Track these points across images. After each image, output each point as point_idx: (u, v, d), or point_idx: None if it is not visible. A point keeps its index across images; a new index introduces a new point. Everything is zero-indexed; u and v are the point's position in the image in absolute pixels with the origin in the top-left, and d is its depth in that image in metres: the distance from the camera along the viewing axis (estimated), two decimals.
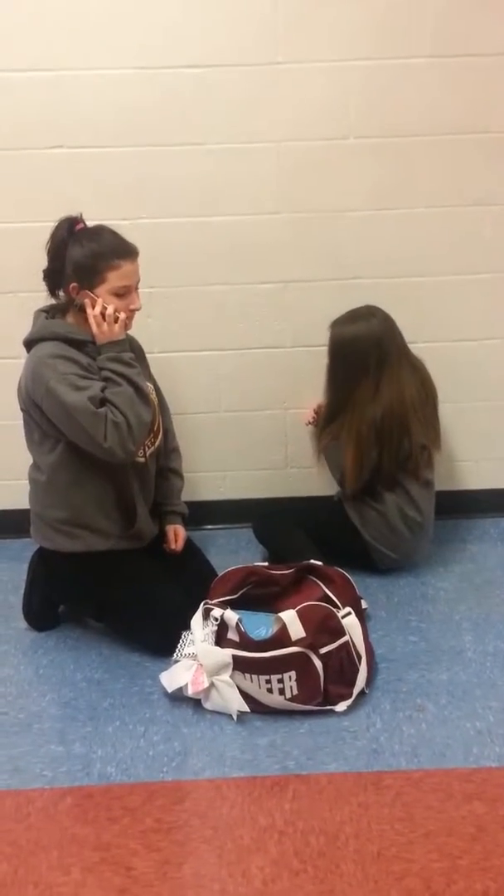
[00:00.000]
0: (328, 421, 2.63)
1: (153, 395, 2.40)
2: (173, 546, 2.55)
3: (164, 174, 2.65)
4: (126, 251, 2.22)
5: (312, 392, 2.69)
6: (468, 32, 2.54)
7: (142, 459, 2.37)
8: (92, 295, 2.21)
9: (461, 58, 2.56)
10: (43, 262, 2.26)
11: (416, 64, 2.56)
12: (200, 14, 2.50)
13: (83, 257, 2.19)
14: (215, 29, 2.52)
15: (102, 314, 2.21)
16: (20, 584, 2.54)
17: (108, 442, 2.16)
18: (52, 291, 2.32)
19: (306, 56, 2.55)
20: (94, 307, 2.21)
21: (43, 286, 2.30)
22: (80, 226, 2.24)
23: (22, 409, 2.31)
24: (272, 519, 2.80)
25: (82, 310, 2.23)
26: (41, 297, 2.33)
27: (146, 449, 2.38)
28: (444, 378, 2.72)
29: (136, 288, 2.27)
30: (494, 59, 2.56)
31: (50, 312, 2.32)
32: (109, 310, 2.21)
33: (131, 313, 2.27)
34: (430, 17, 2.52)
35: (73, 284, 2.22)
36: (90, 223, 2.26)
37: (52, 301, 2.33)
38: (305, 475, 2.99)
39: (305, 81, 2.57)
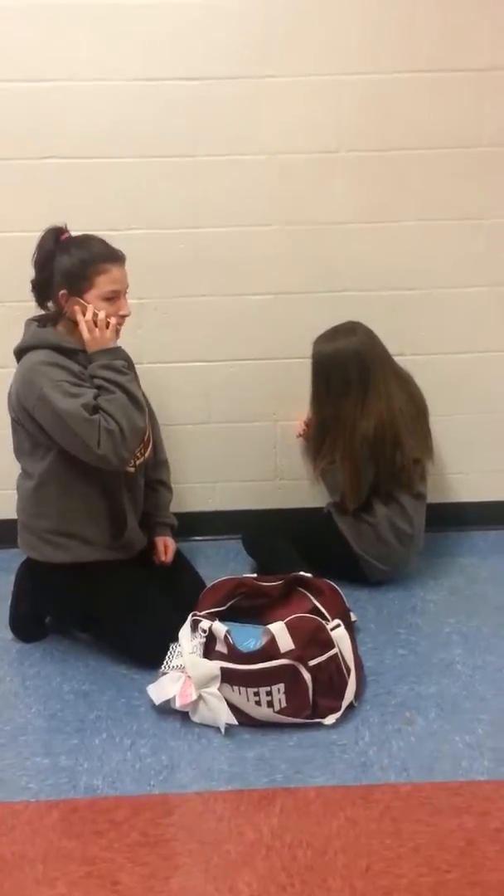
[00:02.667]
0: (318, 439, 2.63)
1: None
2: (163, 558, 2.55)
3: (155, 185, 2.65)
4: (114, 256, 2.22)
5: (303, 404, 2.69)
6: (459, 47, 2.56)
7: (132, 469, 2.36)
8: (82, 301, 2.21)
9: (452, 72, 2.58)
10: (30, 272, 2.26)
11: (408, 78, 2.58)
12: (194, 27, 2.51)
13: (71, 265, 2.20)
14: (209, 42, 2.53)
15: (94, 320, 2.21)
16: (7, 594, 2.53)
17: (101, 449, 2.15)
18: (41, 303, 2.31)
19: (299, 70, 2.56)
20: (84, 314, 2.21)
21: (31, 296, 2.30)
22: (66, 235, 2.25)
23: (12, 418, 2.30)
24: (261, 530, 2.79)
25: (72, 319, 2.23)
26: (28, 308, 2.32)
27: (136, 459, 2.37)
28: (435, 390, 2.72)
29: (125, 294, 2.27)
30: (485, 73, 2.58)
31: (41, 322, 2.31)
32: (101, 315, 2.21)
33: (121, 319, 2.27)
34: (422, 31, 2.54)
35: (63, 292, 2.21)
36: (81, 233, 2.25)
37: (42, 312, 2.33)
38: (295, 487, 2.98)
39: (298, 95, 2.58)
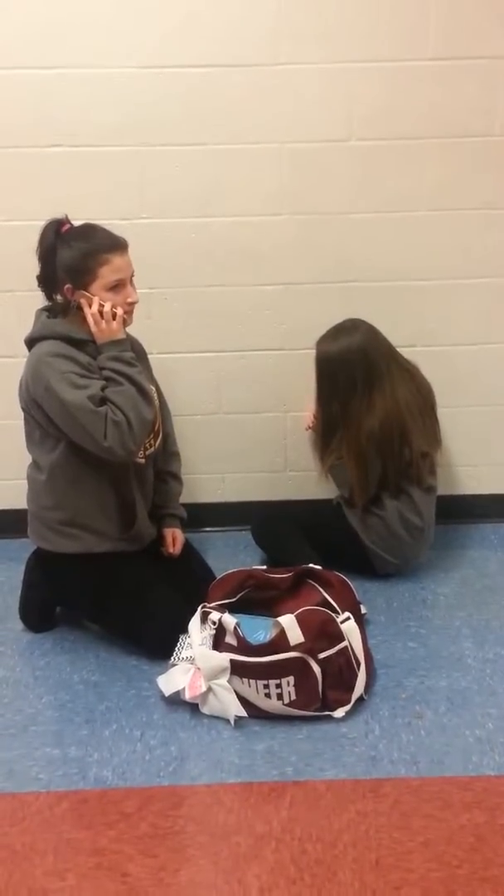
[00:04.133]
0: (325, 437, 2.61)
1: (155, 395, 2.38)
2: (171, 549, 2.54)
3: (164, 174, 2.63)
4: (115, 245, 2.20)
5: (313, 396, 2.67)
6: (471, 35, 2.53)
7: (141, 460, 2.36)
8: (87, 294, 2.19)
9: (464, 60, 2.55)
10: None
11: (419, 66, 2.55)
12: (203, 14, 2.49)
13: (73, 258, 2.18)
14: (218, 29, 2.50)
15: (100, 312, 2.19)
16: (17, 584, 2.53)
17: (108, 441, 2.14)
18: (49, 296, 2.30)
19: (309, 57, 2.53)
20: (91, 306, 2.19)
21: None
22: (67, 227, 2.23)
23: (23, 409, 2.29)
24: (271, 522, 2.78)
25: (80, 310, 2.22)
26: (38, 297, 2.32)
27: (145, 450, 2.36)
28: (444, 382, 2.70)
29: (131, 281, 2.26)
30: (497, 61, 2.55)
31: (51, 312, 2.30)
32: (107, 307, 2.20)
33: (129, 307, 2.26)
34: (433, 19, 2.51)
35: (67, 286, 2.20)
36: (82, 223, 2.24)
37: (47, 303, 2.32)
38: (305, 478, 2.97)
39: (308, 83, 2.56)
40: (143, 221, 2.63)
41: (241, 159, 2.63)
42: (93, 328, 2.21)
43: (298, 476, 3.00)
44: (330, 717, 2.05)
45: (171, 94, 2.56)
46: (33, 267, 2.25)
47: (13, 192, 2.64)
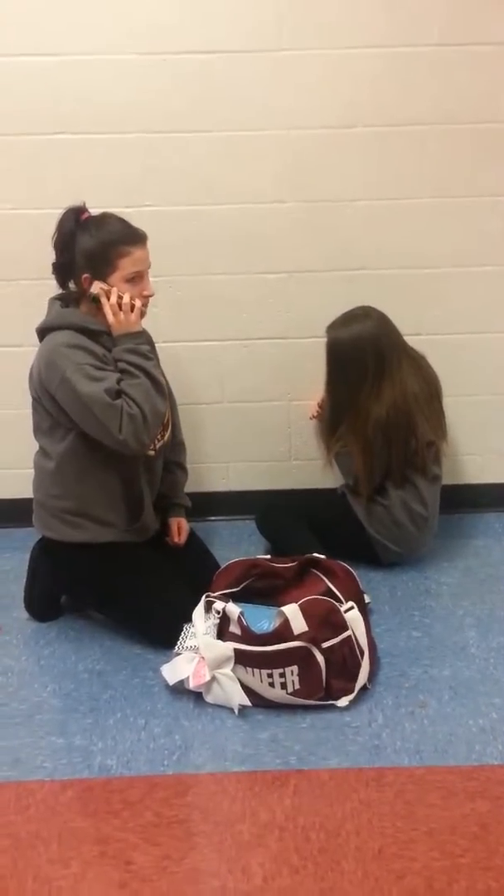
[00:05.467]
0: (332, 425, 2.60)
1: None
2: (176, 539, 2.55)
3: (168, 162, 2.62)
4: (136, 237, 2.20)
5: (317, 384, 2.67)
6: (477, 21, 2.50)
7: (152, 453, 2.36)
8: (105, 285, 2.18)
9: (470, 46, 2.52)
10: (45, 250, 2.24)
11: (425, 52, 2.53)
12: (206, 1, 2.46)
13: (93, 247, 2.17)
14: (221, 15, 2.48)
15: (119, 304, 2.18)
16: (22, 573, 2.53)
17: (122, 434, 2.14)
18: (63, 284, 2.29)
19: (313, 43, 2.51)
20: (108, 297, 2.18)
21: (45, 274, 2.28)
22: (86, 215, 2.22)
23: (32, 397, 2.28)
24: (275, 511, 2.78)
25: (96, 300, 2.20)
26: (43, 285, 2.31)
27: (156, 442, 2.36)
28: (449, 371, 2.70)
29: (148, 273, 2.25)
30: (501, 47, 2.52)
31: (64, 301, 2.29)
32: (125, 299, 2.19)
33: (146, 300, 2.25)
34: (439, 4, 2.48)
35: (86, 275, 2.19)
36: (94, 210, 2.23)
37: (61, 291, 2.31)
38: (309, 467, 2.97)
39: (312, 69, 2.54)
40: (146, 209, 2.62)
41: (245, 146, 2.61)
42: (110, 319, 2.19)
43: (303, 465, 3.00)
44: (333, 707, 2.06)
45: (175, 81, 2.54)
46: (37, 256, 2.25)
47: (17, 179, 2.63)
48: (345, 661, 2.08)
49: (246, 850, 1.67)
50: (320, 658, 2.04)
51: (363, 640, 2.13)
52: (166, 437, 2.44)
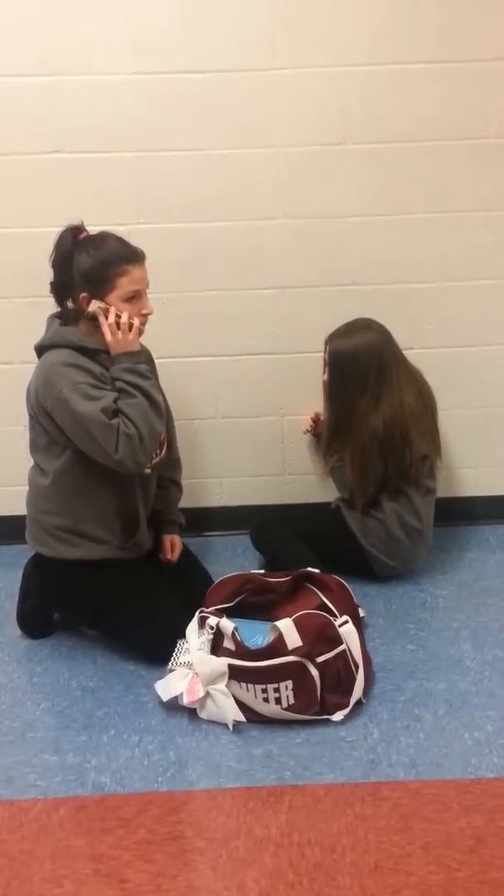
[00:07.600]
0: (331, 437, 2.61)
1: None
2: (169, 556, 2.54)
3: (161, 179, 2.63)
4: (134, 256, 2.20)
5: (310, 399, 2.68)
6: (467, 37, 2.52)
7: (148, 470, 2.35)
8: (103, 304, 2.18)
9: (460, 63, 2.54)
10: (40, 268, 2.24)
11: (415, 69, 2.55)
12: (198, 19, 2.49)
13: (92, 266, 2.17)
14: (213, 34, 2.50)
15: (117, 323, 2.19)
16: (15, 591, 2.53)
17: (119, 454, 2.13)
18: (61, 303, 2.30)
19: (304, 61, 2.53)
20: (107, 316, 2.19)
21: (38, 292, 2.28)
22: (84, 234, 2.22)
23: (29, 414, 2.28)
24: (269, 526, 2.78)
25: (94, 319, 2.20)
26: (37, 304, 2.31)
27: (152, 460, 2.36)
28: (443, 384, 2.70)
29: (146, 292, 2.26)
30: (493, 63, 2.54)
31: (63, 319, 2.29)
32: (124, 318, 2.19)
33: (144, 318, 2.25)
34: (429, 21, 2.50)
35: (84, 294, 2.19)
36: (90, 229, 2.24)
37: (58, 309, 2.31)
38: (303, 482, 2.97)
39: (304, 86, 2.55)
40: (140, 227, 2.63)
41: (238, 164, 2.62)
42: (108, 339, 2.19)
43: (297, 479, 2.99)
44: (328, 721, 2.05)
45: (168, 100, 2.56)
46: (31, 273, 2.25)
47: (11, 198, 2.63)
48: (339, 676, 2.07)
49: (241, 867, 1.66)
50: (315, 672, 2.03)
51: (358, 654, 2.13)
52: (162, 455, 2.43)
